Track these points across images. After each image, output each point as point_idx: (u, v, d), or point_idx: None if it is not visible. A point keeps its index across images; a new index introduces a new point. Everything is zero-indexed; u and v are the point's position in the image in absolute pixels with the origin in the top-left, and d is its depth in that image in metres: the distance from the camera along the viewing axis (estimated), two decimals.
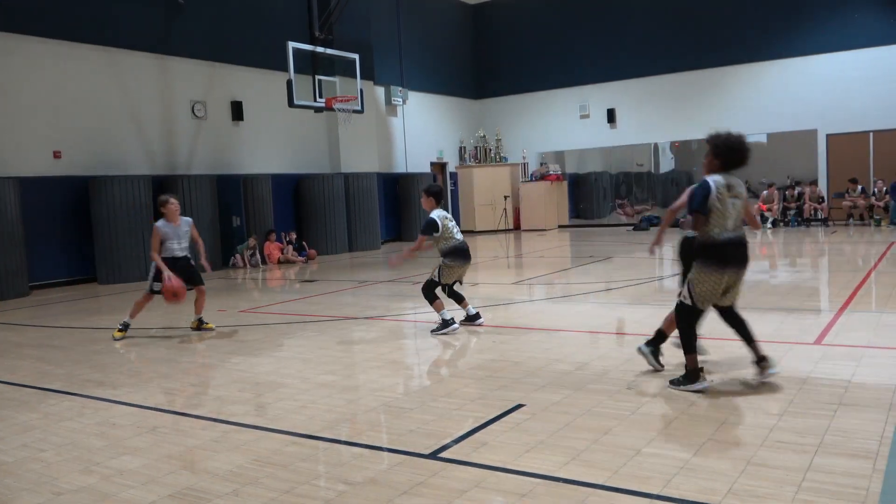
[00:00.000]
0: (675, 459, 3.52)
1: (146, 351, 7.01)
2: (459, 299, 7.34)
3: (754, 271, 11.02)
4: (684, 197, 4.95)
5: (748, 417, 4.11)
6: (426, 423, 4.32)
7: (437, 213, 7.08)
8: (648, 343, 5.20)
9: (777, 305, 7.74)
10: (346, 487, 3.41)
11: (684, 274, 5.07)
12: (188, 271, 7.67)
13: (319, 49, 14.87)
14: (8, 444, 4.34)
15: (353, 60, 15.33)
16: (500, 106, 24.21)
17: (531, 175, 22.65)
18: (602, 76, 22.21)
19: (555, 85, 23.00)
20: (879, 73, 18.32)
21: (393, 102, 20.72)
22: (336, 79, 15.72)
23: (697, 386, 4.63)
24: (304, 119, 17.36)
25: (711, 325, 6.81)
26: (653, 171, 22.09)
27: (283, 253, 15.60)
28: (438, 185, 7.76)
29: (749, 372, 5.00)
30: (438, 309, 7.03)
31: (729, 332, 6.33)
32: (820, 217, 18.71)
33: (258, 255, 15.12)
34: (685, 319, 4.76)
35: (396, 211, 20.53)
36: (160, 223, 7.54)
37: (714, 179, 4.63)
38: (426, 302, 7.13)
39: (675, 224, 5.42)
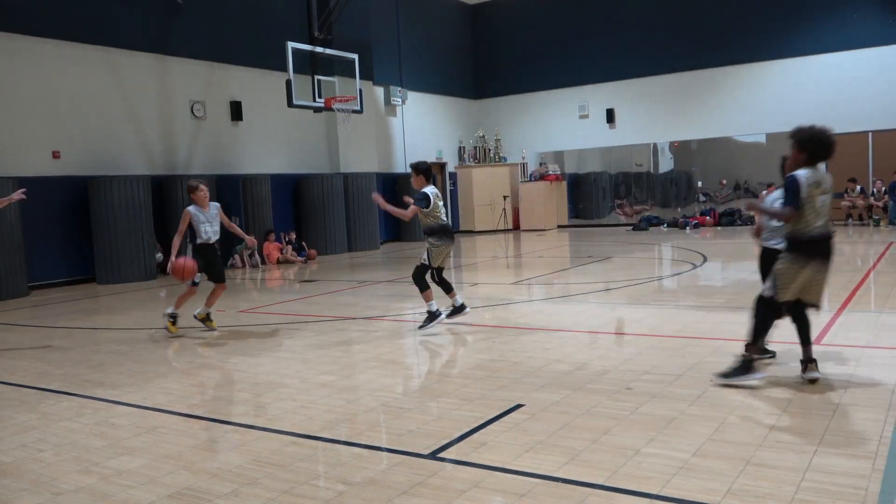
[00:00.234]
0: (674, 459, 3.52)
1: (145, 351, 7.00)
2: (448, 289, 7.39)
3: (752, 271, 11.01)
4: (776, 197, 4.89)
5: (747, 417, 4.11)
6: (425, 424, 4.32)
7: (430, 189, 7.19)
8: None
9: None
10: (346, 488, 3.41)
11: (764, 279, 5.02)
12: (214, 263, 7.74)
13: (318, 49, 14.87)
14: (7, 445, 4.33)
15: (353, 60, 15.33)
16: (499, 106, 24.20)
17: (530, 175, 22.65)
18: (601, 76, 22.21)
19: (554, 85, 23.00)
20: (878, 73, 18.33)
21: (392, 102, 20.72)
22: (335, 79, 15.72)
23: (750, 379, 4.60)
24: (303, 119, 17.35)
25: (710, 325, 6.82)
26: (652, 171, 22.10)
27: (282, 253, 15.60)
28: (426, 161, 7.83)
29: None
30: (427, 299, 7.15)
31: (730, 333, 6.31)
32: None
33: (257, 256, 15.12)
34: (762, 311, 4.73)
35: None
36: (192, 208, 7.61)
37: (803, 175, 4.60)
38: (419, 293, 7.25)
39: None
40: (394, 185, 20.27)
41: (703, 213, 20.62)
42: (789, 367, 5.12)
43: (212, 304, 7.85)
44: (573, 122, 22.89)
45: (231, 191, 15.22)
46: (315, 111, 16.05)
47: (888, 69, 18.21)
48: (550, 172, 22.43)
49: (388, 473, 3.56)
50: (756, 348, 4.69)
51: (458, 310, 7.36)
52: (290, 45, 14.08)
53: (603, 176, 22.84)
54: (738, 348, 5.02)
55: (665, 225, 20.68)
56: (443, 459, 3.70)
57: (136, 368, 6.23)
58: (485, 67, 24.40)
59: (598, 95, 22.38)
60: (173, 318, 7.64)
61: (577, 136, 22.83)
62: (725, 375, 4.71)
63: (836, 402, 4.29)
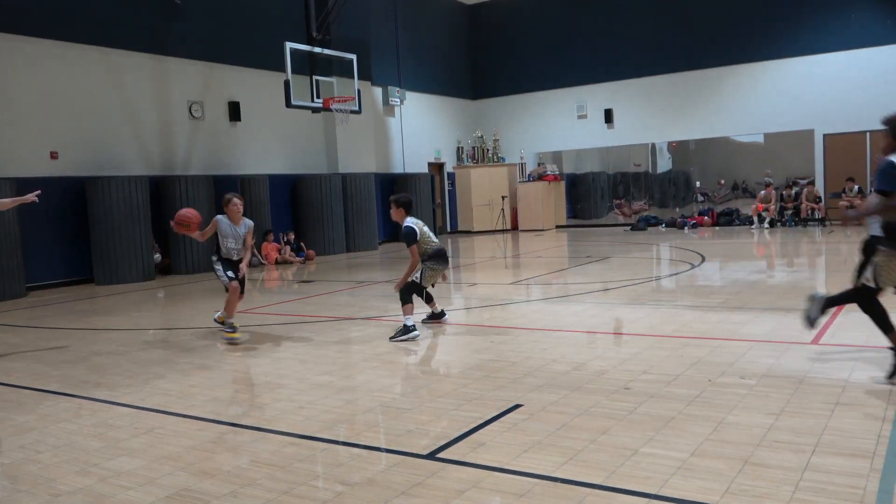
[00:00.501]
0: (672, 459, 3.53)
1: (143, 352, 7.00)
2: (429, 299, 7.38)
3: (751, 271, 11.05)
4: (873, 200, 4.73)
5: (745, 417, 4.11)
6: (424, 424, 4.32)
7: (411, 221, 7.09)
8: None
9: (774, 305, 7.75)
10: (344, 488, 3.41)
11: (861, 266, 4.87)
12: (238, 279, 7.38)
13: (317, 49, 14.86)
14: (5, 446, 4.33)
15: (351, 61, 15.33)
16: (497, 106, 24.21)
17: (529, 175, 22.67)
18: (599, 76, 22.23)
19: (552, 85, 23.02)
20: (876, 73, 18.36)
21: (390, 103, 20.72)
22: (333, 79, 15.70)
23: None
24: (301, 119, 17.35)
25: (708, 325, 6.82)
26: (650, 171, 22.12)
27: (280, 253, 15.59)
28: (407, 194, 7.61)
29: (744, 372, 5.02)
30: (407, 312, 6.92)
31: (728, 332, 6.32)
32: (817, 217, 18.74)
33: (256, 256, 15.12)
34: (868, 301, 4.68)
35: None
36: (221, 217, 7.36)
37: None
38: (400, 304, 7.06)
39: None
40: (392, 186, 20.27)
41: (701, 213, 20.64)
42: (787, 366, 5.12)
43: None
44: (571, 123, 22.91)
45: (229, 191, 15.16)
46: (313, 111, 16.04)
47: (885, 69, 18.25)
48: (549, 172, 22.45)
49: (387, 474, 3.56)
50: (893, 336, 4.62)
51: (436, 316, 7.36)
52: (289, 45, 14.07)
53: (601, 176, 22.86)
54: (738, 348, 5.03)
55: (663, 225, 20.70)
56: (441, 460, 3.70)
57: (134, 369, 6.22)
58: (483, 68, 24.41)
59: (596, 95, 22.40)
60: (232, 328, 7.25)
61: (575, 137, 22.85)
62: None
63: (835, 402, 4.30)
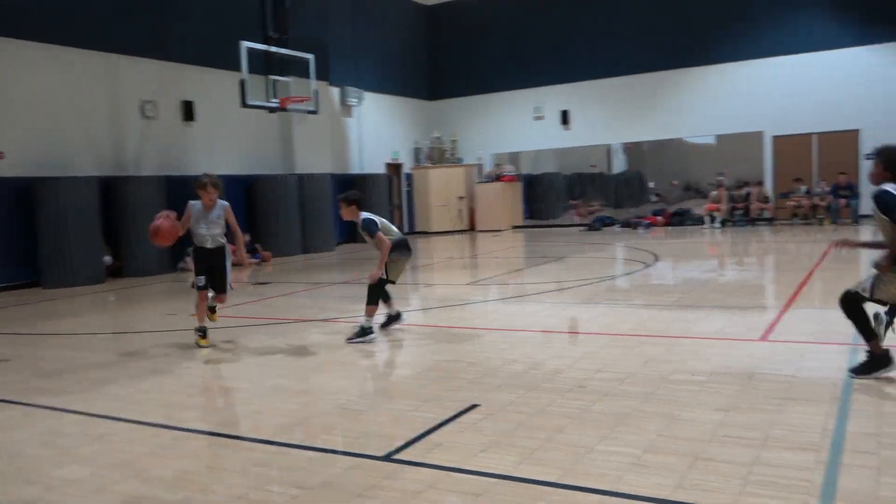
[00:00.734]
0: (626, 456, 3.58)
1: (93, 356, 6.83)
2: (386, 298, 7.28)
3: (703, 270, 11.28)
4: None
5: (696, 413, 4.19)
6: (380, 426, 4.31)
7: (367, 214, 6.95)
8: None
9: (724, 303, 7.92)
10: (300, 492, 3.38)
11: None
12: (212, 270, 7.01)
13: (273, 49, 14.72)
14: None
15: (308, 61, 15.22)
16: (455, 107, 24.26)
17: (486, 176, 22.76)
18: (556, 78, 22.44)
19: (510, 86, 23.15)
20: (823, 77, 18.88)
21: (348, 103, 20.60)
22: (290, 79, 15.57)
23: (885, 371, 4.66)
24: (257, 119, 17.13)
25: (662, 324, 6.94)
26: (606, 171, 22.41)
27: (234, 255, 15.36)
28: (356, 191, 7.40)
29: (695, 370, 5.12)
30: (370, 314, 6.81)
31: (681, 330, 6.43)
32: (766, 217, 19.22)
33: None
34: (854, 309, 4.76)
35: None
36: (194, 202, 6.88)
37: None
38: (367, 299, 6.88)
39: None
40: (349, 187, 20.04)
41: (654, 213, 20.99)
42: (735, 363, 5.24)
43: (213, 316, 7.25)
44: (528, 124, 23.07)
45: (182, 192, 14.92)
46: (269, 111, 15.87)
47: (832, 73, 18.78)
48: (506, 173, 22.58)
49: (343, 476, 3.54)
50: (875, 343, 4.71)
51: (394, 318, 7.27)
52: (245, 44, 13.91)
53: (558, 177, 23.08)
54: (690, 345, 5.13)
55: (618, 225, 20.99)
56: (398, 461, 3.70)
57: (84, 375, 6.07)
58: (441, 68, 24.44)
59: (552, 97, 22.61)
60: (202, 332, 6.99)
61: (532, 138, 23.03)
62: (858, 372, 4.73)
63: (783, 397, 4.41)
